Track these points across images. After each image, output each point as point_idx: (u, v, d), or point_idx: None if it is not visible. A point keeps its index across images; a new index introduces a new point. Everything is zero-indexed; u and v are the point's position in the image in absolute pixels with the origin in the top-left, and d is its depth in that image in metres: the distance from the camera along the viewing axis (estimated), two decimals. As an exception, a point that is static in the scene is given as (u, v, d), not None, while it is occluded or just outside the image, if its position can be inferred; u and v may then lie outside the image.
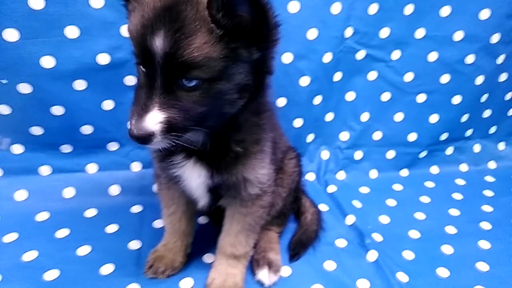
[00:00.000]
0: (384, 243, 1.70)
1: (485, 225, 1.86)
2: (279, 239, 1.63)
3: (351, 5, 1.75)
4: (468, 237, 1.78)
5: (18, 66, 1.49)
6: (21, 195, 1.73)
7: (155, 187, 1.41)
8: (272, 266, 1.46)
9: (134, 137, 0.94)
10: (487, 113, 2.26)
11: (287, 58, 1.79)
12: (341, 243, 1.69)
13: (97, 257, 1.52)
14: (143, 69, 0.96)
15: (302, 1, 1.67)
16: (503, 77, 2.13)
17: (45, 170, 1.79)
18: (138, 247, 1.58)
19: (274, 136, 1.38)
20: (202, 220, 1.76)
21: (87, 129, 1.74)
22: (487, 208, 1.99)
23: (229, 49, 0.94)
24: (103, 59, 1.58)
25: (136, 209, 1.80)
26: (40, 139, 1.71)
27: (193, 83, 0.94)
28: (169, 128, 0.95)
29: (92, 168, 1.85)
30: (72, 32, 1.49)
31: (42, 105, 1.61)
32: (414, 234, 1.78)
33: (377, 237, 1.73)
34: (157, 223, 1.71)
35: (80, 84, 1.61)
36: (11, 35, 1.44)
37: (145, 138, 0.93)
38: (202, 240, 1.58)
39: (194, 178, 1.22)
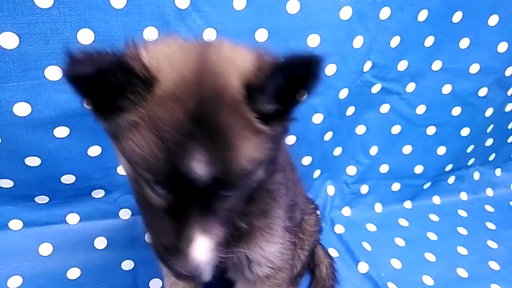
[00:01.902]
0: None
1: (494, 265, 1.82)
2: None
3: (374, 38, 1.58)
4: (479, 280, 1.72)
5: (-17, 115, 1.19)
6: (-14, 256, 1.45)
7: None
8: None
9: (183, 276, 0.74)
10: (489, 142, 2.21)
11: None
12: (358, 297, 1.58)
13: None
14: (165, 194, 0.72)
15: (323, 35, 1.47)
16: (509, 107, 2.07)
17: (16, 224, 1.50)
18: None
19: (293, 194, 1.19)
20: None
21: (68, 179, 1.46)
22: (492, 245, 1.95)
23: (271, 139, 0.74)
24: (91, 102, 1.30)
25: (127, 265, 1.56)
26: (10, 192, 1.41)
27: (231, 191, 0.74)
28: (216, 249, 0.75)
29: (73, 218, 1.58)
30: (53, 73, 1.20)
31: (13, 157, 1.32)
32: (428, 280, 1.70)
33: (392, 286, 1.63)
34: (154, 284, 1.49)
35: (61, 131, 1.33)
36: (-24, 80, 1.13)
37: (198, 272, 0.73)
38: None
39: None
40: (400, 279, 1.68)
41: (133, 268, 1.56)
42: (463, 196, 2.27)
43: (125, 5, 1.19)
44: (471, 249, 1.90)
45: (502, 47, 1.80)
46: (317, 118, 1.70)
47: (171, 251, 0.72)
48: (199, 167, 0.65)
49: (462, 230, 2.03)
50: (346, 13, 1.46)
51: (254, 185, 0.81)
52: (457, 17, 1.67)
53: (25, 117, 1.23)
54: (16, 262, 1.48)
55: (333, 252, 1.76)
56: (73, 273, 1.50)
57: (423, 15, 1.60)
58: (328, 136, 1.80)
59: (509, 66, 1.87)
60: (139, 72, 0.65)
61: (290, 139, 1.72)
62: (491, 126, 2.09)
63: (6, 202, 1.45)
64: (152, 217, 0.77)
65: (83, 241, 1.58)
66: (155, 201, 0.74)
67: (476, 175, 2.31)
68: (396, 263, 1.77)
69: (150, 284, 1.50)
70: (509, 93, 1.97)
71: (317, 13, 1.42)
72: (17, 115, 1.22)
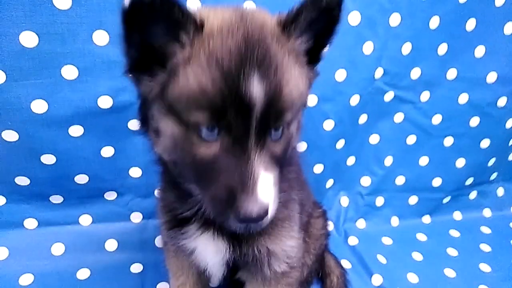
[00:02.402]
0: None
1: (520, 283, 1.71)
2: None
3: (384, 44, 1.59)
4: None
5: (3, 111, 1.25)
6: (1, 253, 1.48)
7: (158, 243, 1.20)
8: None
9: (251, 219, 0.70)
10: (512, 156, 2.12)
11: (311, 100, 1.60)
12: (371, 310, 1.51)
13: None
14: (218, 135, 0.73)
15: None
16: (531, 119, 2.00)
17: (30, 223, 1.54)
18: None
19: (302, 196, 1.18)
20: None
21: (81, 179, 1.50)
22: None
23: (309, 76, 0.85)
24: (105, 102, 1.36)
25: (136, 268, 1.57)
26: (26, 190, 1.47)
27: (279, 133, 0.78)
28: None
29: (85, 220, 1.61)
30: (69, 72, 1.27)
31: (30, 154, 1.37)
32: (447, 296, 1.61)
33: (408, 301, 1.55)
34: (162, 287, 1.48)
35: (76, 130, 1.38)
36: (-4, 76, 1.21)
37: (264, 214, 0.71)
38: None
39: (210, 252, 1.01)
40: (417, 294, 1.61)
41: (141, 271, 1.56)
42: (487, 212, 2.17)
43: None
44: (495, 266, 1.80)
45: (520, 55, 1.76)
46: (328, 125, 1.69)
47: (231, 201, 0.70)
48: (257, 87, 0.69)
49: (485, 247, 1.93)
50: (354, 18, 1.48)
51: (292, 135, 0.84)
52: (470, 24, 1.66)
53: (41, 114, 1.29)
54: (28, 260, 1.51)
55: (345, 264, 1.71)
56: (83, 274, 1.51)
57: (434, 22, 1.60)
58: (340, 144, 1.78)
59: (528, 75, 1.82)
60: (191, 12, 0.72)
61: (301, 146, 1.71)
62: (514, 139, 2.02)
63: (22, 200, 1.49)
64: (204, 175, 0.75)
65: (94, 243, 1.60)
66: (205, 151, 0.74)
67: (500, 191, 2.21)
68: (412, 278, 1.69)
69: (157, 287, 1.49)
70: (530, 103, 1.91)
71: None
72: (34, 112, 1.28)
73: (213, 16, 0.76)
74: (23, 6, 1.12)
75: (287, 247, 1.03)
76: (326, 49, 0.87)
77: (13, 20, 1.15)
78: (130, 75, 0.78)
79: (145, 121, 0.86)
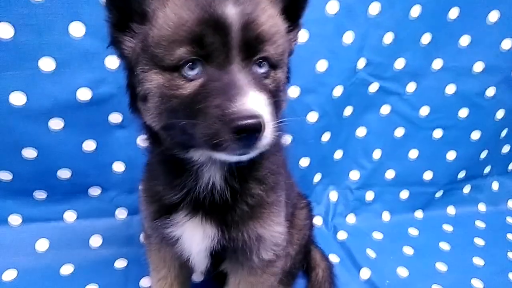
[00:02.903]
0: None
1: (514, 276, 1.66)
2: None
3: (365, 34, 1.58)
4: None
5: (-18, 104, 1.27)
6: (-15, 250, 1.49)
7: (142, 239, 1.19)
8: None
9: (246, 127, 0.68)
10: (505, 149, 2.09)
11: (293, 92, 1.60)
12: (357, 303, 1.48)
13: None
14: (207, 57, 0.76)
15: (311, 30, 1.49)
16: (524, 110, 1.97)
17: (15, 219, 1.55)
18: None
19: (287, 185, 1.17)
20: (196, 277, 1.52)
21: (64, 173, 1.50)
22: (513, 256, 1.80)
23: (286, 28, 0.87)
24: (84, 94, 1.37)
25: (120, 263, 1.56)
26: (9, 186, 1.47)
27: (264, 70, 0.82)
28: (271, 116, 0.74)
29: (70, 216, 1.61)
30: (47, 64, 1.28)
31: (10, 148, 1.38)
32: (437, 289, 1.57)
33: (397, 294, 1.52)
34: (144, 282, 1.47)
35: (56, 123, 1.39)
36: (-26, 68, 1.23)
37: (258, 125, 0.69)
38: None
39: (197, 239, 0.98)
40: (406, 287, 1.57)
41: (125, 267, 1.56)
42: (481, 207, 2.13)
43: None
44: (489, 260, 1.76)
45: (506, 44, 1.75)
46: (312, 117, 1.68)
47: (222, 117, 0.69)
48: (231, 10, 0.74)
49: (479, 241, 1.89)
50: (332, 7, 1.49)
51: (280, 81, 0.86)
52: (453, 13, 1.65)
53: (20, 106, 1.31)
54: (13, 256, 1.51)
55: (333, 258, 1.68)
56: (67, 269, 1.51)
57: (415, 11, 1.60)
58: (326, 137, 1.77)
59: (516, 65, 1.80)
60: None
61: (286, 139, 1.71)
62: (505, 131, 1.99)
63: (6, 196, 1.50)
64: (194, 112, 0.74)
65: (79, 239, 1.60)
66: (192, 88, 0.76)
67: (495, 185, 2.17)
68: (402, 271, 1.66)
69: (141, 282, 1.48)
70: (521, 93, 1.88)
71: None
72: (13, 105, 1.30)
73: None
74: (-2, -2, 1.14)
75: (275, 233, 1.02)
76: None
77: (-13, 12, 1.17)
78: (114, 43, 0.85)
79: (133, 99, 0.88)
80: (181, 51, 0.74)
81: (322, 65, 1.58)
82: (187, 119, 0.75)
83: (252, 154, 0.76)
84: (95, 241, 1.61)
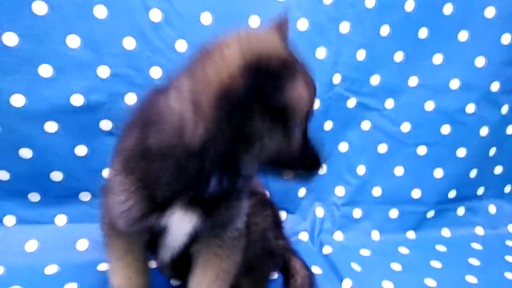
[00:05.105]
0: (387, 312, 1.43)
1: (510, 296, 1.57)
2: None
3: (338, 50, 1.71)
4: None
5: (-14, 103, 1.44)
6: (-22, 249, 1.58)
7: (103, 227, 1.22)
8: None
9: None
10: (498, 170, 2.06)
11: (271, 103, 1.70)
12: (335, 311, 1.43)
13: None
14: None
15: (284, 45, 1.62)
16: (510, 129, 1.98)
17: (10, 220, 1.65)
18: (95, 308, 1.37)
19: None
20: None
21: (57, 176, 1.62)
22: (510, 276, 1.71)
23: None
24: (77, 100, 1.52)
25: (102, 267, 1.60)
26: (7, 185, 1.59)
27: None
28: None
29: (61, 220, 1.69)
30: (46, 70, 1.46)
31: (10, 147, 1.52)
32: (424, 303, 1.51)
33: (379, 305, 1.46)
34: (123, 283, 1.50)
35: (51, 126, 1.53)
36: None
37: None
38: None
39: (184, 227, 1.01)
40: (390, 299, 1.52)
41: (107, 270, 1.59)
42: (479, 230, 2.07)
43: (106, 16, 1.47)
44: (483, 278, 1.68)
45: (480, 61, 1.82)
46: (292, 129, 1.76)
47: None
48: None
49: (474, 261, 1.82)
50: (303, 24, 1.63)
51: None
52: (423, 33, 1.77)
53: (20, 108, 1.47)
54: (2, 255, 1.58)
55: (316, 270, 1.66)
56: (51, 269, 1.56)
57: (385, 30, 1.72)
58: (307, 150, 1.83)
59: (493, 81, 1.85)
60: None
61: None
62: (494, 150, 1.99)
63: (4, 197, 1.61)
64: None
65: (67, 242, 1.67)
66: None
67: (492, 209, 2.11)
68: (388, 285, 1.61)
69: (119, 283, 1.51)
70: (503, 111, 1.91)
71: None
72: (13, 106, 1.46)
73: None
74: (6, 11, 1.36)
75: (242, 211, 1.10)
76: None
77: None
78: None
79: None
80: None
81: (297, 78, 1.69)
82: None
83: None
84: (82, 244, 1.67)
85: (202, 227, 1.02)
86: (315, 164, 1.03)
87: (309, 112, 0.97)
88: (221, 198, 0.99)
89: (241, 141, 0.85)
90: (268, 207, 1.41)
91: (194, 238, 1.10)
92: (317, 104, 1.76)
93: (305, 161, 1.00)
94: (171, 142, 0.88)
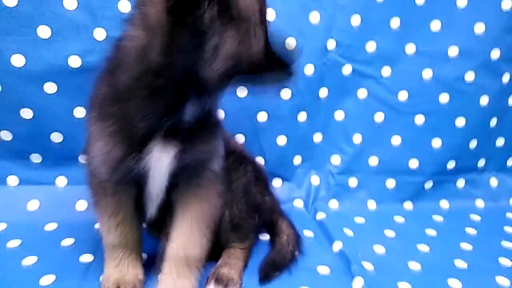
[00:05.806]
0: (376, 272, 1.43)
1: (505, 261, 1.55)
2: (244, 254, 1.41)
3: (332, 16, 1.71)
4: (482, 272, 1.47)
5: (-13, 63, 1.51)
6: (-17, 206, 1.66)
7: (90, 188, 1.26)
8: (221, 281, 1.24)
9: None
10: (500, 142, 2.03)
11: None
12: (323, 270, 1.44)
13: (41, 267, 1.36)
14: None
15: (277, 9, 1.64)
16: (512, 100, 1.95)
17: (13, 180, 1.72)
18: (89, 260, 1.42)
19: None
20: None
21: (57, 137, 1.68)
22: (508, 245, 1.68)
23: None
24: (74, 62, 1.58)
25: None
26: (10, 146, 1.66)
27: None
28: None
29: (61, 181, 1.76)
30: (44, 32, 1.52)
31: (11, 107, 1.59)
32: (414, 265, 1.49)
33: (368, 265, 1.46)
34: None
35: (50, 87, 1.59)
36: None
37: None
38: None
39: (163, 164, 1.04)
40: (379, 261, 1.50)
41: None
42: (479, 203, 2.04)
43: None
44: (478, 245, 1.66)
45: (479, 28, 1.79)
46: (285, 94, 1.78)
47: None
48: None
49: (471, 230, 1.79)
50: (296, -11, 1.65)
51: None
52: (420, -1, 1.75)
53: (20, 67, 1.53)
54: (5, 213, 1.65)
55: (308, 233, 1.67)
56: (51, 226, 1.63)
57: (381, -4, 1.72)
58: (302, 117, 1.84)
59: (493, 49, 1.82)
60: None
61: (261, 116, 1.80)
62: (495, 120, 1.95)
63: (6, 158, 1.68)
64: None
65: (66, 202, 1.73)
66: None
67: (494, 182, 2.08)
68: (379, 249, 1.60)
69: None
70: (504, 80, 1.88)
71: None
72: (14, 65, 1.52)
73: None
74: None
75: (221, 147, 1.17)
76: None
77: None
78: None
79: None
80: None
81: (291, 43, 1.71)
82: None
83: None
84: (81, 205, 1.73)
85: (180, 163, 1.04)
86: (282, 65, 1.01)
87: (263, 15, 0.98)
88: (197, 131, 1.02)
89: (197, 47, 0.87)
90: (248, 163, 1.43)
91: (175, 184, 1.14)
92: (311, 70, 1.76)
93: (272, 64, 0.99)
94: (137, 71, 0.93)
